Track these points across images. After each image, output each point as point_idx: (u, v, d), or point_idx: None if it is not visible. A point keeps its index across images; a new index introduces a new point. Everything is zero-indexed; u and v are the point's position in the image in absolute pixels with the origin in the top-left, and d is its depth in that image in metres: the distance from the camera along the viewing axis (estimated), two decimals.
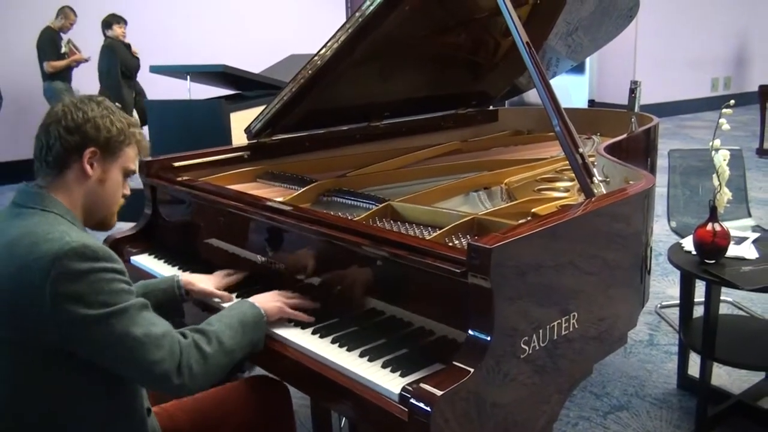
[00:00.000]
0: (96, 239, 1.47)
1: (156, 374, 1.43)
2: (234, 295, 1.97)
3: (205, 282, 1.98)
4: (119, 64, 7.21)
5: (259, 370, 1.96)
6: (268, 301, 1.77)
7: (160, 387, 1.50)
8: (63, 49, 7.16)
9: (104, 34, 7.32)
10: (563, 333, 1.60)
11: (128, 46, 7.40)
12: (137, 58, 7.46)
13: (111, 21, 7.27)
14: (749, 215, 3.69)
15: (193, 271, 2.16)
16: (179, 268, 2.22)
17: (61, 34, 7.25)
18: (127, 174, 1.63)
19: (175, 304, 1.95)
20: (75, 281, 1.36)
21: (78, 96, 1.58)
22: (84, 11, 7.37)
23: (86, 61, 7.30)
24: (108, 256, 1.43)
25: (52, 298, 1.34)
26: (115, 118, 1.57)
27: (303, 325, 1.76)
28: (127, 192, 1.66)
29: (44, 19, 7.24)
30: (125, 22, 7.36)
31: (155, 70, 6.01)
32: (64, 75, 7.24)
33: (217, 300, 1.95)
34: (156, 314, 1.49)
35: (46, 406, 1.44)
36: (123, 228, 2.42)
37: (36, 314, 1.36)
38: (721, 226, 2.59)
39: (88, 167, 1.53)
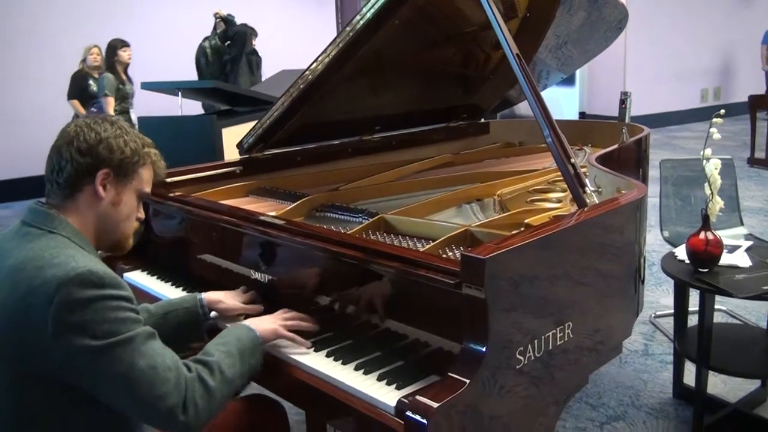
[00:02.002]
0: (103, 264, 1.43)
1: (160, 410, 1.36)
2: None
3: (231, 299, 1.92)
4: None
5: (253, 388, 1.94)
6: (263, 321, 1.71)
7: (163, 424, 1.41)
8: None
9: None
10: (558, 343, 1.60)
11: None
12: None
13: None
14: (741, 224, 3.70)
15: (187, 287, 2.16)
16: (172, 284, 2.21)
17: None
18: (142, 196, 1.60)
19: (196, 324, 1.87)
20: (78, 310, 1.31)
21: (92, 116, 1.57)
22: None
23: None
24: (115, 282, 1.38)
25: (55, 326, 1.30)
26: (129, 138, 1.54)
27: None
28: (142, 216, 1.63)
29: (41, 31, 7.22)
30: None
31: (147, 86, 6.02)
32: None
33: (242, 316, 1.89)
34: (163, 344, 1.43)
35: None
36: None
37: (38, 343, 1.32)
38: (714, 234, 2.59)
39: (100, 189, 1.50)
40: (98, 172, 1.49)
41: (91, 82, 7.08)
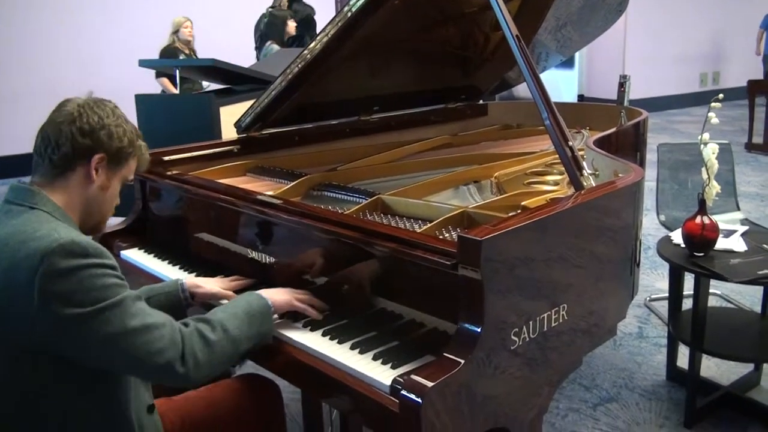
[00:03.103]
0: (85, 236, 1.44)
1: (159, 364, 1.39)
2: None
3: (212, 284, 1.93)
4: None
5: (249, 367, 1.95)
6: (276, 293, 1.73)
7: (163, 377, 1.45)
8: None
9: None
10: (553, 325, 1.61)
11: None
12: None
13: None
14: (738, 209, 3.70)
15: (184, 266, 2.17)
16: (169, 263, 2.22)
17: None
18: (125, 184, 1.63)
19: (178, 308, 1.87)
20: (63, 279, 1.32)
21: (92, 97, 1.57)
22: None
23: None
24: (99, 252, 1.39)
25: (40, 296, 1.31)
26: (127, 128, 1.57)
27: (294, 318, 1.76)
28: (118, 201, 1.65)
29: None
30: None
31: (144, 64, 5.98)
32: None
33: (224, 301, 1.88)
34: (150, 306, 1.46)
35: (30, 405, 1.41)
36: (113, 223, 2.41)
37: (24, 314, 1.33)
38: (710, 219, 2.60)
39: (93, 173, 1.52)
40: (95, 156, 1.51)
41: (182, 57, 6.60)
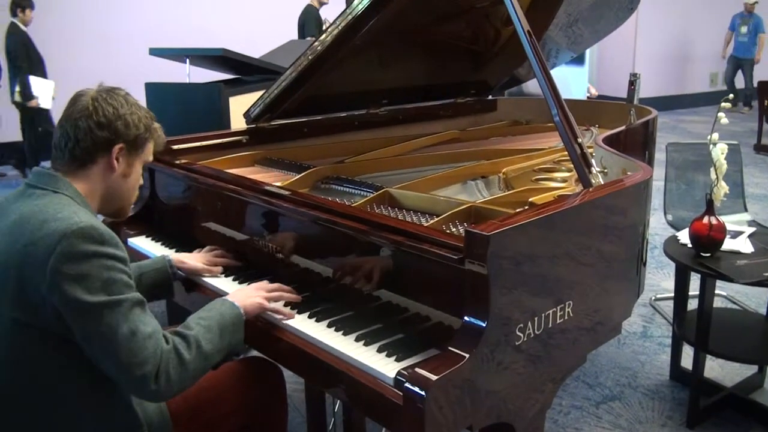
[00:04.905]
0: (104, 225, 1.47)
1: (135, 375, 1.40)
2: (224, 276, 2.02)
3: (194, 259, 2.04)
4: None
5: (254, 352, 1.96)
6: (247, 297, 1.72)
7: (135, 389, 1.47)
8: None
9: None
10: (558, 322, 1.61)
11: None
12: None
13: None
14: (745, 210, 3.69)
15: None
16: (176, 251, 2.22)
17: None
18: (146, 166, 1.69)
19: (167, 283, 2.00)
20: (76, 262, 1.36)
21: (103, 88, 1.59)
22: None
23: None
24: (114, 242, 1.44)
25: (52, 276, 1.35)
26: (141, 114, 1.61)
27: (299, 309, 1.77)
28: (142, 182, 1.71)
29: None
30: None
31: (154, 52, 5.97)
32: None
33: (206, 277, 2.01)
34: (149, 314, 1.47)
35: (39, 386, 1.45)
36: None
37: (37, 290, 1.37)
38: (718, 219, 2.60)
39: (115, 162, 1.56)
40: (114, 146, 1.56)
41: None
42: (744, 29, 11.08)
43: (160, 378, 1.43)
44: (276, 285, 1.81)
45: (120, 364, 1.40)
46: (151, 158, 1.69)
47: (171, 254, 2.06)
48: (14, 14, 7.09)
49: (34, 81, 6.82)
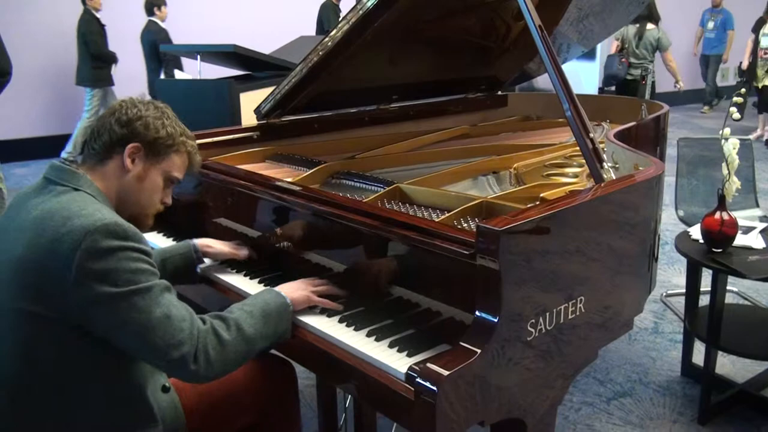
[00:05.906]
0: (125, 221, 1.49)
1: (173, 357, 1.42)
2: (234, 272, 2.01)
3: (221, 245, 2.03)
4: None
5: None
6: (294, 290, 1.74)
7: (174, 371, 1.48)
8: None
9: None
10: (569, 317, 1.61)
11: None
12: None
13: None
14: (757, 205, 3.68)
15: None
16: None
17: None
18: (170, 181, 1.67)
19: (192, 268, 2.00)
20: (101, 258, 1.38)
21: (142, 98, 1.64)
22: None
23: None
24: (137, 237, 1.45)
25: (77, 272, 1.36)
26: (168, 123, 1.63)
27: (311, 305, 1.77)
28: (168, 201, 1.70)
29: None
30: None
31: (166, 49, 6.01)
32: None
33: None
34: (177, 298, 1.49)
35: (54, 380, 1.46)
36: None
37: (59, 286, 1.38)
38: (729, 215, 2.58)
39: (128, 161, 1.58)
40: (129, 145, 1.57)
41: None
42: (711, 24, 10.79)
43: (198, 358, 1.45)
44: (323, 280, 1.82)
45: (157, 349, 1.41)
46: (176, 174, 1.67)
47: (196, 240, 2.04)
48: (151, 13, 7.45)
49: (179, 75, 6.94)
